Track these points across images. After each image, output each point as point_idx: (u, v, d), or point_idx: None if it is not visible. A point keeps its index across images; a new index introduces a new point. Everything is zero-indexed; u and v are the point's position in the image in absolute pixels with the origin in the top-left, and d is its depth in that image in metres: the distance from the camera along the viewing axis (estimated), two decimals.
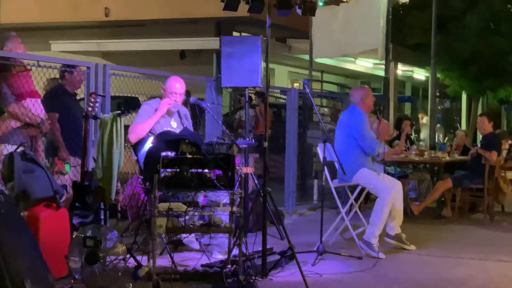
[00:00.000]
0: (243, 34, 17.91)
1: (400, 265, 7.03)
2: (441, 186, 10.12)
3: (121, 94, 7.94)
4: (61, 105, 6.99)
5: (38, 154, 6.55)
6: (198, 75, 9.12)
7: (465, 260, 7.29)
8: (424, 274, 6.62)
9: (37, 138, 6.61)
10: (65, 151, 6.94)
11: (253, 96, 12.00)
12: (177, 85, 6.93)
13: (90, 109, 6.21)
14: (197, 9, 16.94)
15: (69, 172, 6.95)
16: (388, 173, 8.72)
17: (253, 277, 5.82)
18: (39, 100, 6.56)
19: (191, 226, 5.65)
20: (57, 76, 7.27)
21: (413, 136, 16.12)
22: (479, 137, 12.38)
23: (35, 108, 6.46)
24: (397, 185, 7.63)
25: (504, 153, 11.45)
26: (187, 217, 5.58)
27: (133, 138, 6.67)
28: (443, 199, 10.68)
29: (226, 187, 5.63)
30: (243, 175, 6.07)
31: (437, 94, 21.93)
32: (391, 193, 7.30)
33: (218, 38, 8.60)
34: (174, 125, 6.89)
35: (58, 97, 7.06)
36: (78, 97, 7.44)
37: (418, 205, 9.96)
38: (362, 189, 7.72)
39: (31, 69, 6.51)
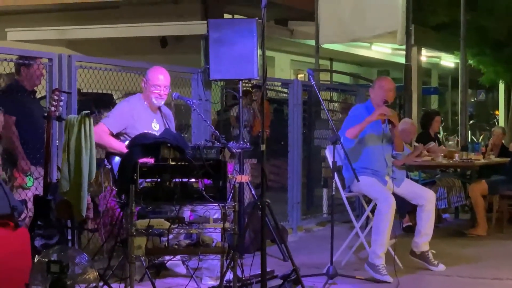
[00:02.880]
0: (235, 16, 17.95)
1: None
2: (476, 190, 10.11)
3: (90, 91, 7.94)
4: (18, 106, 6.95)
5: None
6: (182, 66, 9.12)
7: (503, 281, 7.31)
8: None
9: None
10: (25, 162, 6.92)
11: (252, 90, 12.04)
12: (160, 76, 6.97)
13: (53, 108, 6.22)
14: None
15: (32, 186, 6.95)
16: (411, 180, 8.73)
17: None
18: None
19: (176, 246, 5.66)
20: (13, 70, 7.27)
21: (441, 135, 16.15)
22: None
23: None
24: (427, 194, 7.64)
25: None
26: (170, 236, 5.59)
27: (97, 138, 6.67)
28: (467, 207, 10.67)
29: (217, 199, 5.64)
30: (237, 185, 6.09)
31: (469, 84, 21.95)
32: (389, 201, 7.27)
33: (205, 22, 8.61)
34: (155, 127, 6.89)
35: (14, 96, 7.02)
36: (38, 95, 7.44)
37: (476, 229, 9.91)
38: None
39: None
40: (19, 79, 7.18)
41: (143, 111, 6.95)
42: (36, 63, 7.08)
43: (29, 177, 6.95)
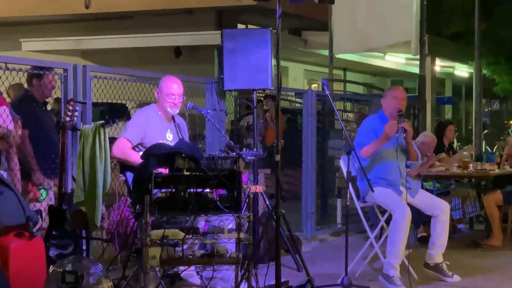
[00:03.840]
0: (249, 26, 17.96)
1: None
2: (490, 200, 10.06)
3: (105, 101, 7.96)
4: (31, 118, 6.92)
5: (13, 174, 6.56)
6: (196, 76, 9.14)
7: None
8: None
9: (10, 153, 6.60)
10: (39, 175, 6.93)
11: (263, 100, 12.03)
12: (173, 85, 6.99)
13: (68, 119, 6.24)
14: None
15: (45, 198, 6.96)
16: (426, 190, 8.70)
17: None
18: (7, 109, 6.57)
19: (190, 256, 5.66)
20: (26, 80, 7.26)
21: (455, 144, 16.10)
22: None
23: (3, 118, 6.48)
24: (442, 205, 7.62)
25: None
26: (185, 246, 5.59)
27: (117, 152, 6.70)
28: (481, 217, 10.59)
29: (231, 209, 5.64)
30: (251, 195, 6.07)
31: (484, 93, 21.89)
32: (405, 212, 7.25)
33: (220, 32, 8.62)
34: (169, 137, 6.90)
35: (26, 108, 6.99)
36: (50, 106, 7.44)
37: (490, 239, 9.86)
38: None
39: None
40: (30, 90, 7.18)
41: (158, 121, 6.96)
42: (48, 74, 7.06)
43: (43, 190, 6.96)
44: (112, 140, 6.83)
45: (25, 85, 7.43)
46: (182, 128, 7.16)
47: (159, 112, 7.03)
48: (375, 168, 7.56)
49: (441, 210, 7.59)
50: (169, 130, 6.97)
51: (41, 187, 6.95)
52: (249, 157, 6.96)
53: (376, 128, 7.49)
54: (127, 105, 11.27)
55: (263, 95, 11.09)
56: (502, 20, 19.56)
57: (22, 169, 6.86)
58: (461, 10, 19.34)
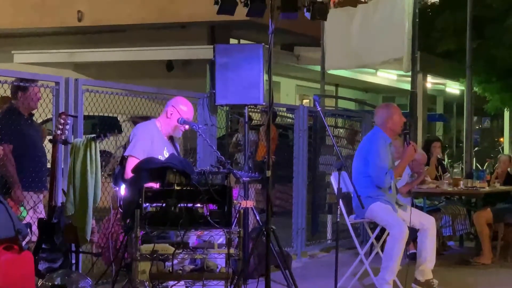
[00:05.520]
0: (241, 41, 18.01)
1: None
2: (481, 218, 10.07)
3: (96, 114, 7.95)
4: (15, 132, 6.86)
5: None
6: (188, 90, 9.15)
7: None
8: None
9: None
10: (20, 191, 6.84)
11: (252, 116, 12.01)
12: (191, 114, 6.93)
13: (59, 132, 6.23)
14: (187, 12, 17.03)
15: (25, 217, 6.88)
16: (416, 207, 8.72)
17: None
18: None
19: (180, 271, 5.65)
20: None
21: (446, 161, 16.13)
22: None
23: None
24: (429, 221, 7.64)
25: None
26: (175, 261, 5.58)
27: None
28: (471, 235, 10.61)
29: (222, 224, 5.64)
30: (242, 210, 6.07)
31: (474, 111, 21.96)
32: (403, 228, 7.29)
33: (212, 46, 8.63)
34: (166, 155, 6.88)
35: (11, 122, 6.92)
36: (43, 118, 7.39)
37: (480, 257, 9.86)
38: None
39: None
40: (15, 103, 7.09)
41: (159, 138, 6.87)
42: (33, 86, 6.98)
43: (23, 207, 6.89)
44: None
45: None
46: (176, 145, 7.13)
47: (160, 129, 6.97)
48: (375, 184, 7.57)
49: (429, 224, 7.61)
50: (165, 148, 6.94)
51: (21, 204, 6.87)
52: (244, 178, 6.97)
53: (386, 149, 7.57)
54: (118, 119, 11.26)
55: (258, 111, 11.05)
56: (494, 39, 19.63)
57: (3, 185, 6.79)
58: (453, 29, 19.40)
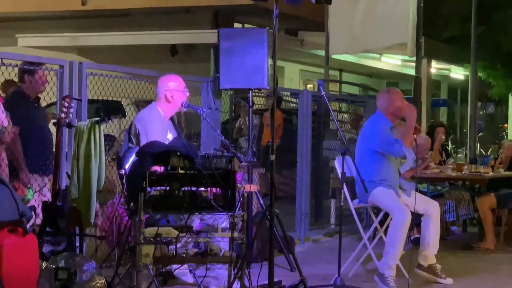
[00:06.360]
0: (245, 25, 17.96)
1: None
2: (484, 203, 10.07)
3: (100, 98, 7.95)
4: (22, 115, 6.87)
5: (1, 170, 6.55)
6: (192, 75, 9.13)
7: None
8: None
9: None
10: (26, 173, 6.89)
11: (256, 100, 12.01)
12: (181, 80, 7.02)
13: (63, 115, 6.22)
14: None
15: (31, 199, 6.91)
16: (420, 192, 8.72)
17: None
18: (1, 105, 6.55)
19: (184, 255, 5.66)
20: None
21: (450, 147, 16.11)
22: None
23: None
24: (433, 206, 7.64)
25: None
26: (179, 245, 5.59)
27: None
28: (475, 220, 10.62)
29: (225, 208, 5.64)
30: (245, 194, 6.07)
31: (479, 97, 21.92)
32: (406, 214, 7.29)
33: (216, 31, 8.62)
34: (170, 138, 6.88)
35: (17, 105, 6.96)
36: (47, 101, 7.41)
37: (484, 242, 9.86)
38: None
39: None
40: (22, 86, 7.13)
41: (160, 121, 6.90)
42: (39, 70, 7.02)
43: (30, 189, 6.92)
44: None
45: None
46: (176, 126, 7.14)
47: (161, 111, 6.99)
48: (379, 170, 7.57)
49: (434, 210, 7.61)
50: (168, 131, 6.94)
51: (28, 186, 6.90)
52: (242, 164, 6.97)
53: (389, 132, 7.58)
54: (122, 103, 11.26)
55: (262, 95, 11.04)
56: (498, 26, 19.60)
57: (10, 167, 6.82)
58: (458, 15, 19.35)
